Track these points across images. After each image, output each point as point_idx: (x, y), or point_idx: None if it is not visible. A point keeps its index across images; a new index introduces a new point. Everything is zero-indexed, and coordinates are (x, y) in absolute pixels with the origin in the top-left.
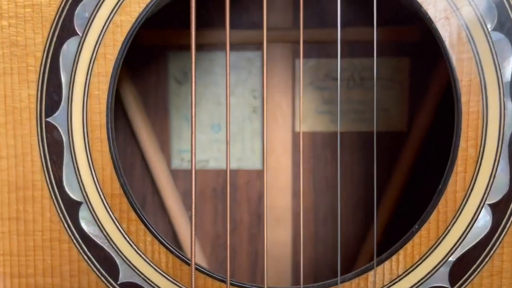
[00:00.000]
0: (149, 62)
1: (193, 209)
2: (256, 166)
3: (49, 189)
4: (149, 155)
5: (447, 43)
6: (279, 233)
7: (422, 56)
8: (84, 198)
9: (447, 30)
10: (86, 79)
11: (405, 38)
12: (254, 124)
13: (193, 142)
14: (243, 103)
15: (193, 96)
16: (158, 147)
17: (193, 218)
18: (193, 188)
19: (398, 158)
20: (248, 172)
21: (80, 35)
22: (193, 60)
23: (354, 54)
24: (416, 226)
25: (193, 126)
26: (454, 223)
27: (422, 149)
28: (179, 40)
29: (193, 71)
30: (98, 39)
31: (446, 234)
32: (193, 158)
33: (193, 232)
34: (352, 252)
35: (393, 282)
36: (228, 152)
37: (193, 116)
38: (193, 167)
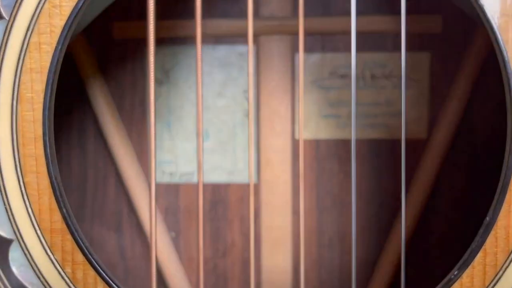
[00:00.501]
0: (123, 59)
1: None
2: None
3: None
4: (124, 168)
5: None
6: (278, 258)
7: (444, 51)
8: (15, 235)
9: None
10: (15, 77)
11: (425, 29)
12: (248, 130)
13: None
14: (234, 106)
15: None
16: (135, 159)
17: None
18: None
19: (416, 171)
20: (241, 186)
21: (7, 18)
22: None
23: (364, 47)
24: (456, 272)
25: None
26: (507, 267)
27: (445, 160)
28: (158, 33)
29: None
30: (30, 24)
31: (496, 283)
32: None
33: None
34: (362, 281)
35: None
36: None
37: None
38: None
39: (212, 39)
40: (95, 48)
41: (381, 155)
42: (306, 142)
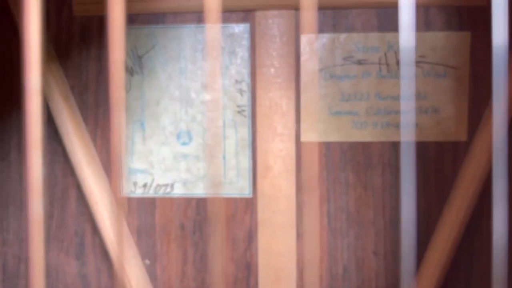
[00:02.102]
0: (87, 42)
1: None
2: (243, 192)
3: None
4: (86, 179)
5: None
6: None
7: (489, 30)
8: None
9: None
10: None
11: (465, 1)
12: (241, 131)
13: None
14: (224, 101)
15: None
16: (100, 167)
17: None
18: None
19: (456, 181)
20: (233, 201)
21: None
22: None
23: (388, 25)
24: None
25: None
26: None
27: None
28: (129, 9)
29: None
30: None
31: None
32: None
33: None
34: None
35: None
36: None
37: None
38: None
39: (195, 15)
40: (52, 28)
41: (409, 162)
42: (313, 145)
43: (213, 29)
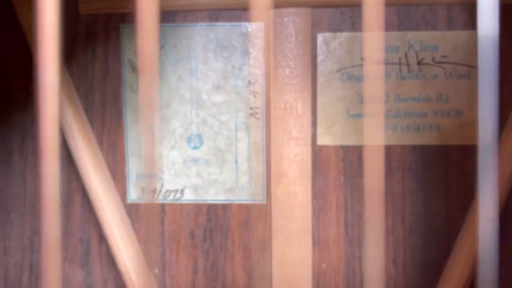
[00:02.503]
0: (92, 41)
1: None
2: (257, 198)
3: None
4: (93, 184)
5: None
6: None
7: None
8: None
9: None
10: None
11: None
12: (254, 134)
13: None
14: (236, 102)
15: None
16: (108, 172)
17: None
18: None
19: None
20: (245, 207)
21: None
22: None
23: (409, 23)
24: None
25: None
26: None
27: None
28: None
29: None
30: None
31: None
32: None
33: None
34: None
35: None
36: None
37: None
38: None
39: (207, 13)
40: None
41: (434, 166)
42: (330, 149)
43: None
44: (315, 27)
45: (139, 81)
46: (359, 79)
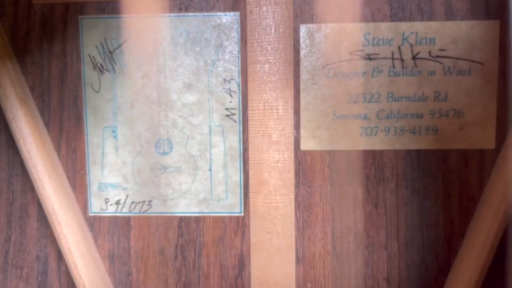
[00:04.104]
0: (48, 35)
1: None
2: (233, 210)
3: None
4: (48, 196)
5: None
6: None
7: None
8: None
9: None
10: None
11: None
12: (230, 138)
13: None
14: (209, 102)
15: None
16: (66, 182)
17: None
18: None
19: (482, 194)
20: (221, 220)
21: None
22: None
23: (402, 14)
24: None
25: None
26: None
27: None
28: None
29: None
30: None
31: None
32: None
33: None
34: None
35: None
36: None
37: None
38: None
39: (176, 3)
40: (7, 18)
41: (429, 173)
42: (315, 154)
43: None
44: (298, 18)
45: None
46: (347, 75)
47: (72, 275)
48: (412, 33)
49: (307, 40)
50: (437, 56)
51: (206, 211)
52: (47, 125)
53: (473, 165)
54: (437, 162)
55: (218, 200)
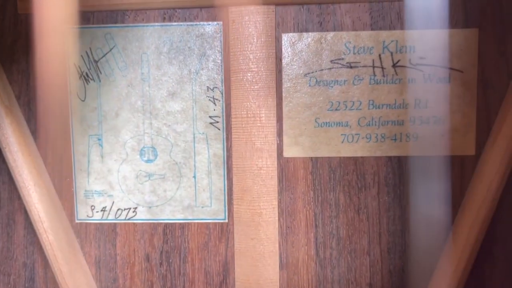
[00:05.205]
0: (34, 44)
1: None
2: (218, 217)
3: None
4: (34, 204)
5: None
6: None
7: (501, 25)
8: None
9: None
10: None
11: None
12: (214, 146)
13: None
14: (193, 110)
15: None
16: (53, 190)
17: None
18: None
19: (462, 200)
20: (205, 227)
21: None
22: None
23: (382, 23)
24: None
25: None
26: None
27: (506, 186)
28: (83, 6)
29: None
30: None
31: None
32: None
33: None
34: None
35: None
36: None
37: None
38: None
39: (160, 12)
40: None
41: (410, 179)
42: (298, 161)
43: None
44: (280, 27)
45: None
46: (329, 83)
47: (58, 282)
48: (392, 41)
49: (289, 49)
50: (417, 64)
51: (190, 217)
52: (33, 133)
53: (453, 171)
54: (418, 169)
55: (202, 207)
